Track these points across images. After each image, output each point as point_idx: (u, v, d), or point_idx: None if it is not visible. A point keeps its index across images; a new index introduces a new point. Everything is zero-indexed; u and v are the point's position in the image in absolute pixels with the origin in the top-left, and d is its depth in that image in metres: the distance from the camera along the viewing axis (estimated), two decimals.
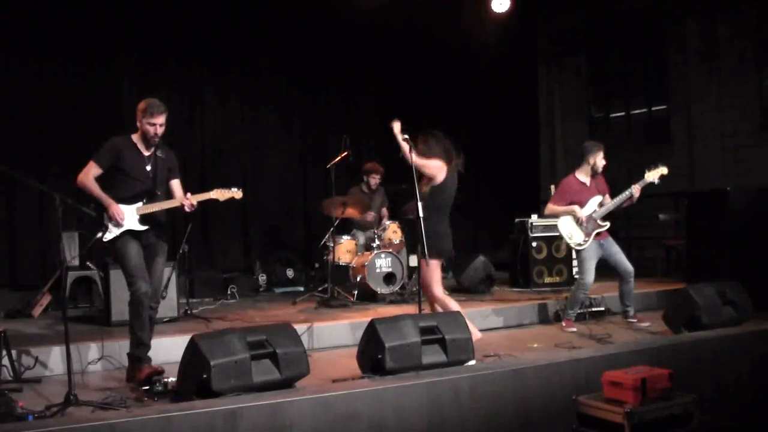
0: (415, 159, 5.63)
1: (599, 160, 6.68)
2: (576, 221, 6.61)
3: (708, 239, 7.63)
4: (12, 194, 8.13)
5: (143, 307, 4.87)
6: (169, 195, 5.18)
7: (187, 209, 5.05)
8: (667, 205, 9.66)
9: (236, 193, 5.25)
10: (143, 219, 4.97)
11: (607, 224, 6.61)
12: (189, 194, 5.11)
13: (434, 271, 5.72)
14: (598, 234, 6.57)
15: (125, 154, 5.01)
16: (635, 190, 6.47)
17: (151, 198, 5.01)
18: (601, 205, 6.64)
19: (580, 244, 6.58)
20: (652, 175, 6.49)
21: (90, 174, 4.97)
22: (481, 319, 6.86)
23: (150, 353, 4.99)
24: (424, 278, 5.70)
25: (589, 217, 6.58)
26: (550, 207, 6.78)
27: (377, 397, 3.91)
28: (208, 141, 9.27)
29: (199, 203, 5.13)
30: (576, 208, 6.59)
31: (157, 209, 5.01)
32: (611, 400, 3.86)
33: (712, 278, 6.28)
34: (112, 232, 4.91)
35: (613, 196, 6.67)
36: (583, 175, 6.74)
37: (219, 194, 5.19)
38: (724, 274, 6.62)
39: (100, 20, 8.42)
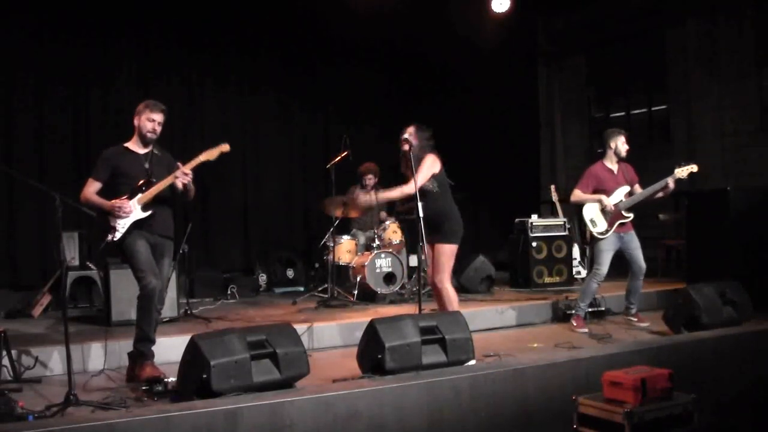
0: (420, 180, 5.37)
1: (621, 144, 6.65)
2: (602, 209, 6.57)
3: (708, 239, 7.63)
4: (12, 194, 8.13)
5: (152, 302, 4.89)
6: None
7: (181, 180, 5.04)
8: (667, 205, 9.65)
9: (223, 146, 5.22)
10: (145, 206, 5.03)
11: (631, 216, 6.57)
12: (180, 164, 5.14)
13: (451, 258, 5.49)
14: (621, 225, 6.53)
15: (121, 162, 5.10)
16: (670, 182, 6.39)
17: (149, 187, 5.06)
18: (629, 195, 6.61)
19: (601, 233, 6.53)
20: (681, 172, 6.40)
21: (90, 189, 5.06)
22: (481, 319, 6.87)
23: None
24: (439, 265, 5.43)
25: (615, 207, 6.53)
26: (577, 193, 6.67)
27: (377, 397, 3.91)
28: (208, 141, 9.24)
29: (194, 171, 5.10)
30: (603, 197, 6.54)
31: (155, 192, 5.04)
32: (611, 400, 3.85)
33: (712, 278, 6.27)
34: (120, 230, 4.95)
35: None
36: (609, 162, 6.71)
37: (208, 155, 5.17)
38: (724, 274, 6.60)
39: (99, 6, 8.41)
